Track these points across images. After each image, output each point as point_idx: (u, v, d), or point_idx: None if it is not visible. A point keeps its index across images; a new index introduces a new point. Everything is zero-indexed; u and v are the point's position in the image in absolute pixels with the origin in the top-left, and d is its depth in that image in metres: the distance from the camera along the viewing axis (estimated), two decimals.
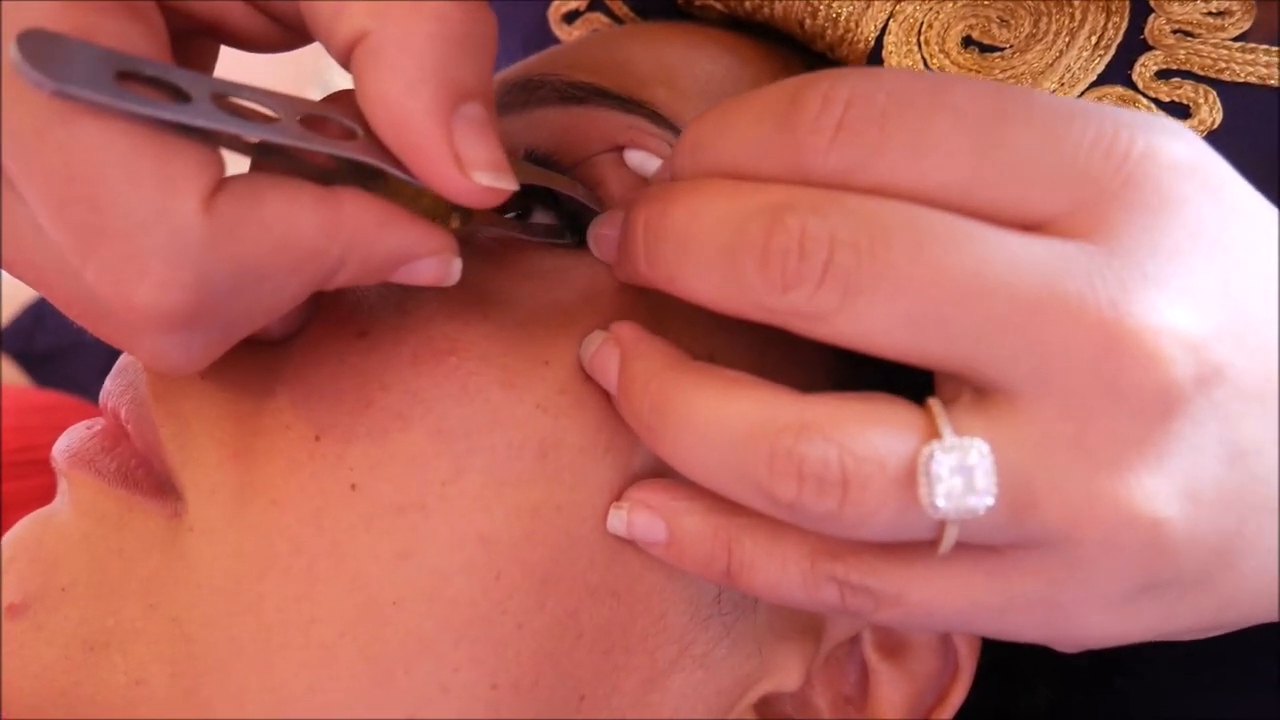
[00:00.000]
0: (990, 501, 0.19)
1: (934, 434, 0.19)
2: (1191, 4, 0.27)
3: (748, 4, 0.31)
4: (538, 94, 0.28)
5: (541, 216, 0.27)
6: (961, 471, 0.19)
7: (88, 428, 0.27)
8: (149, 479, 0.25)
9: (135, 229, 0.19)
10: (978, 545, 0.20)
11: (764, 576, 0.22)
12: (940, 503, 0.19)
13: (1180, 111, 0.27)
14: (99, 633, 0.24)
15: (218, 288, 0.20)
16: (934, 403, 0.20)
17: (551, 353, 0.25)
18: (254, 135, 0.20)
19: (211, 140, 0.20)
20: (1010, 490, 0.19)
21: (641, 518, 0.24)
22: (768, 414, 0.20)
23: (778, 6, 0.30)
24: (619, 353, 0.23)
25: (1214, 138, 0.27)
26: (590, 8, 0.34)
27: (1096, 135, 0.19)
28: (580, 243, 0.27)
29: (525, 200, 0.27)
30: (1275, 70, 0.26)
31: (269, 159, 0.22)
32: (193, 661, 0.24)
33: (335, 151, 0.21)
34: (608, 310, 0.26)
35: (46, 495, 0.27)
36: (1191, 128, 0.27)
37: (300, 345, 0.25)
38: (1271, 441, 0.20)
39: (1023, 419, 0.19)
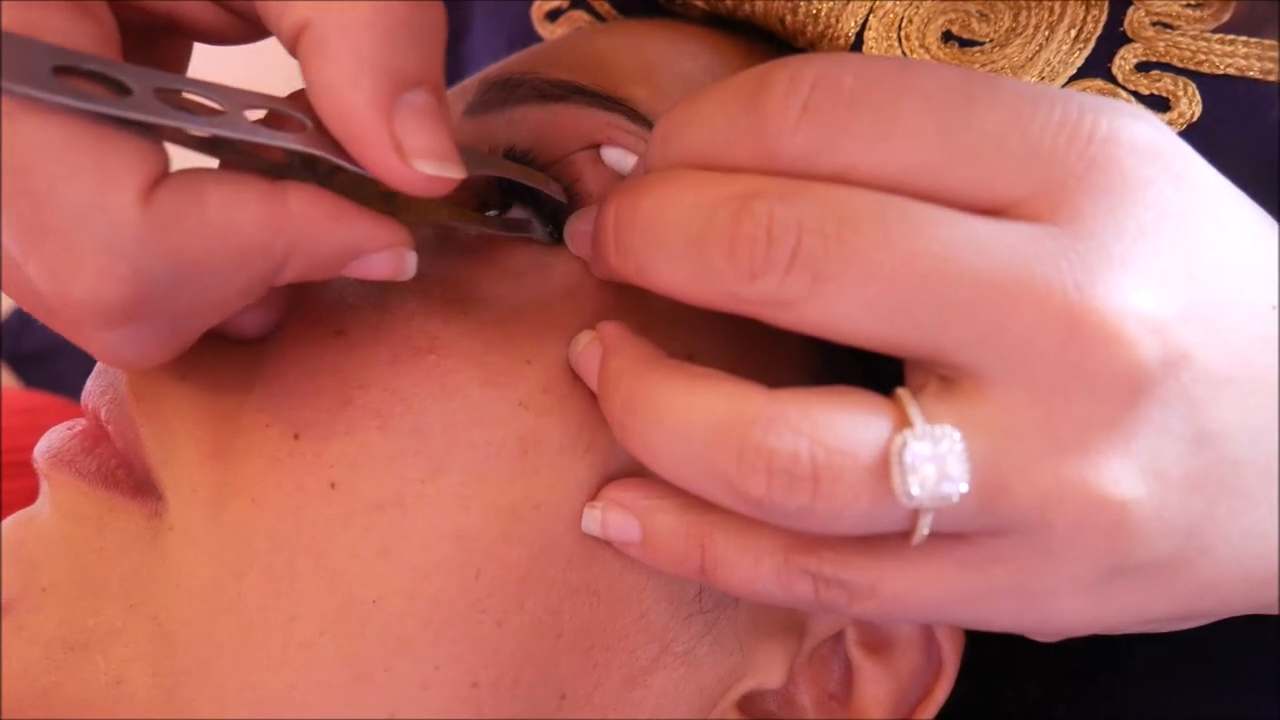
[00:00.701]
0: (964, 488, 0.19)
1: (904, 422, 0.19)
2: None
3: (728, 1, 0.31)
4: (517, 92, 0.28)
5: (521, 213, 0.27)
6: (934, 459, 0.19)
7: (68, 428, 0.27)
8: (129, 479, 0.25)
9: (72, 223, 0.19)
10: (950, 534, 0.20)
11: (738, 573, 0.22)
12: (914, 491, 0.19)
13: (1160, 104, 0.27)
14: (79, 633, 0.24)
15: (156, 281, 0.20)
16: (902, 391, 0.20)
17: (534, 351, 0.25)
18: (197, 129, 0.20)
19: (155, 135, 0.20)
20: (981, 476, 0.19)
21: (615, 517, 0.24)
22: (735, 408, 0.20)
23: (758, 4, 0.30)
24: (601, 351, 0.23)
25: (1194, 130, 0.27)
26: (573, 5, 0.34)
27: (1061, 119, 0.19)
28: (560, 240, 0.27)
29: (505, 197, 0.27)
30: (1254, 62, 0.26)
31: (224, 154, 0.22)
32: (173, 661, 0.24)
33: (280, 144, 0.21)
34: (588, 307, 0.26)
35: (35, 496, 0.27)
36: (1171, 120, 0.27)
37: (279, 344, 0.25)
38: (1240, 425, 0.20)
39: (991, 404, 0.19)
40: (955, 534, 0.20)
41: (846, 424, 0.19)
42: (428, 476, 0.24)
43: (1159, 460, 0.19)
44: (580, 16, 0.34)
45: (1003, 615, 0.21)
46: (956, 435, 0.19)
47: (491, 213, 0.28)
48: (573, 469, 0.24)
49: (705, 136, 0.21)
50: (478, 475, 0.24)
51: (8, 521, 0.27)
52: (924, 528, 0.20)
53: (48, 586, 0.25)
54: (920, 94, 0.19)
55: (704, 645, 0.26)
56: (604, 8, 0.33)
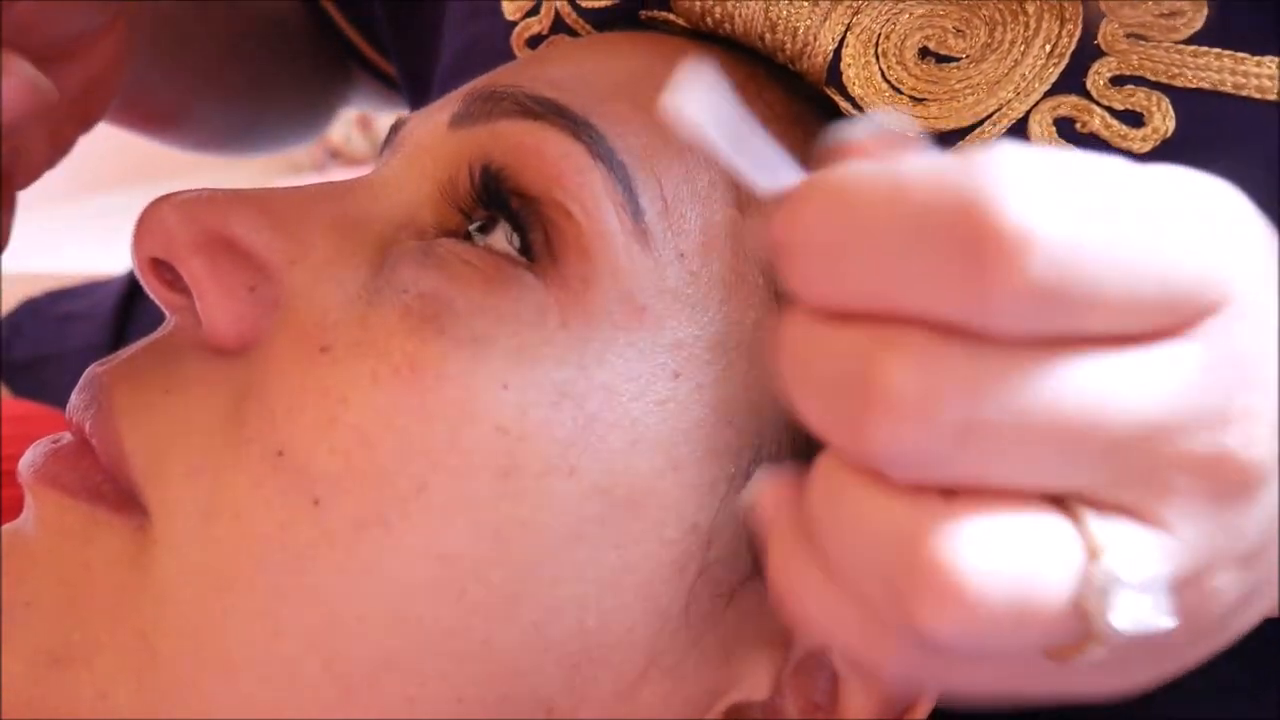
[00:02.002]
0: (1168, 622, 0.18)
1: (1096, 550, 0.18)
2: (1143, 6, 0.27)
3: (709, 20, 0.31)
4: (501, 105, 0.28)
5: (502, 232, 0.27)
6: (1143, 589, 0.18)
7: (52, 442, 0.27)
8: (114, 493, 0.25)
9: None
10: None
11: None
12: (1119, 624, 0.17)
13: (1134, 120, 0.27)
14: (64, 646, 0.24)
15: None
16: (1085, 511, 0.18)
17: (510, 376, 0.25)
18: None
19: None
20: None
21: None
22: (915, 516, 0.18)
23: (739, 22, 0.30)
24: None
25: (1167, 146, 0.27)
26: (553, 30, 0.34)
27: (1196, 250, 0.18)
28: (529, 257, 0.26)
29: (488, 209, 0.27)
30: (1227, 76, 0.27)
31: None
32: (157, 676, 0.24)
33: None
34: (560, 328, 0.25)
35: (22, 507, 0.27)
36: (1144, 137, 0.27)
37: (262, 360, 0.25)
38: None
39: (1152, 533, 0.18)
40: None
41: (1036, 548, 0.17)
42: (411, 495, 0.24)
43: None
44: (562, 41, 0.34)
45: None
46: (1155, 563, 0.18)
47: (474, 224, 0.28)
48: (558, 490, 0.24)
49: (894, 277, 0.17)
50: (460, 495, 0.24)
51: None
52: (1096, 654, 0.18)
53: (31, 600, 0.25)
54: (1114, 262, 0.17)
55: (691, 659, 0.26)
56: (585, 30, 0.33)
